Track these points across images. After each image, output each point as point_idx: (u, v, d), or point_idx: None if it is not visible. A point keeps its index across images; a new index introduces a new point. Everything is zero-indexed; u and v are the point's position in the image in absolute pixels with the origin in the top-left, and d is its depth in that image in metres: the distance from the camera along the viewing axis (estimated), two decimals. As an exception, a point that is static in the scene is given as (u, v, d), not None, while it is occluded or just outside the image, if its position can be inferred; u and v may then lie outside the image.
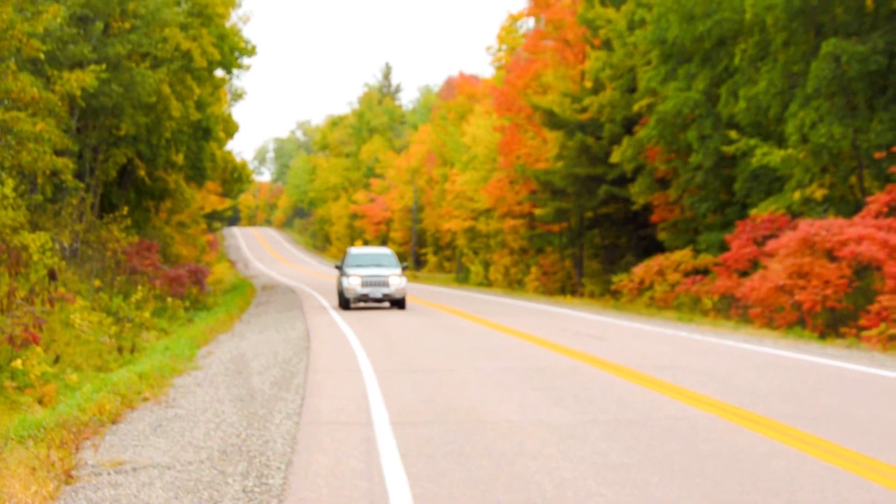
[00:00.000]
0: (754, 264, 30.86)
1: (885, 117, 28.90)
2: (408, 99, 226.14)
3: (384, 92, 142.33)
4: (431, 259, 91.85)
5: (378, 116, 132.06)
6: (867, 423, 11.85)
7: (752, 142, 31.93)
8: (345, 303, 36.06)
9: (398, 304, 36.11)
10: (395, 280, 35.56)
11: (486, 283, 65.76)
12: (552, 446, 10.62)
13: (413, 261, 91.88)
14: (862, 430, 11.29)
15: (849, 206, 30.14)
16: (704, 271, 35.88)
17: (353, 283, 35.44)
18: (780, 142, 32.12)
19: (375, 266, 36.49)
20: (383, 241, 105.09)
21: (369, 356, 19.76)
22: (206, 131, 47.50)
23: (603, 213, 48.27)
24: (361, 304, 37.20)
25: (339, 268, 37.59)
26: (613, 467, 9.58)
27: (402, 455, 10.18)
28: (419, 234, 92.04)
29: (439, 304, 40.12)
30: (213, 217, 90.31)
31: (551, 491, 8.67)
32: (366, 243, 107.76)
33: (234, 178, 61.25)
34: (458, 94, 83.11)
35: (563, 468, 9.55)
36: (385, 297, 35.65)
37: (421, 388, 15.21)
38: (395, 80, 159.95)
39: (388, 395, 14.36)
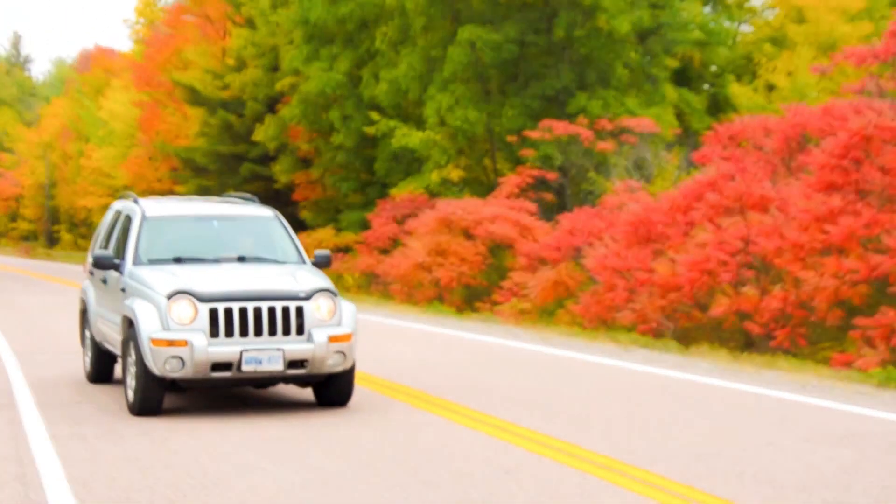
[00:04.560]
0: (395, 242, 31.71)
1: (517, 103, 30.46)
2: (39, 71, 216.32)
3: (13, 62, 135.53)
4: (66, 237, 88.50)
5: (6, 88, 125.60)
6: (506, 391, 12.55)
7: (393, 123, 32.75)
8: (146, 391, 11.11)
9: (333, 392, 11.74)
10: (323, 309, 11.39)
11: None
12: (206, 424, 10.65)
13: (46, 239, 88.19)
14: (502, 399, 11.96)
15: (483, 186, 31.55)
16: (346, 249, 36.48)
17: (181, 318, 10.99)
18: (420, 124, 33.10)
19: (233, 262, 12.46)
20: (12, 219, 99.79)
21: (6, 335, 18.99)
22: None
23: (246, 191, 48.04)
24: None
25: (104, 264, 12.55)
26: (272, 440, 9.73)
27: (52, 437, 9.93)
28: (53, 211, 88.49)
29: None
30: None
31: (212, 466, 8.72)
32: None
33: None
34: (94, 68, 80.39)
35: (221, 443, 9.60)
36: (295, 373, 11.21)
37: (65, 366, 14.80)
38: (24, 51, 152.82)
39: (31, 375, 13.90)
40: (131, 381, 11.30)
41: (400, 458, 9.03)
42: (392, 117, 33.76)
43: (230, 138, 45.93)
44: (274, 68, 43.24)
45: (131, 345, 11.26)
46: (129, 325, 11.37)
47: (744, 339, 17.45)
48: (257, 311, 11.02)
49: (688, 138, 30.56)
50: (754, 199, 17.97)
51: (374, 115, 33.45)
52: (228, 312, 10.96)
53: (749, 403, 11.70)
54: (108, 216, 14.10)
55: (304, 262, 12.65)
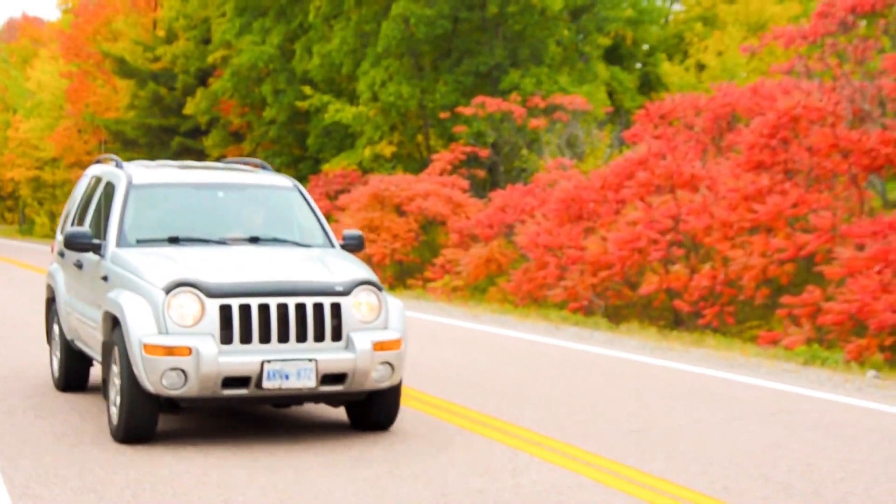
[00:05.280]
0: (327, 218, 31.61)
1: (450, 79, 30.47)
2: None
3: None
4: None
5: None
6: (438, 368, 12.59)
7: (326, 98, 32.62)
8: (135, 411, 8.51)
9: (374, 413, 9.18)
10: (364, 307, 8.84)
11: (53, 235, 63.42)
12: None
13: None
14: (434, 376, 12.00)
15: (416, 163, 31.55)
16: (278, 224, 36.31)
17: (184, 318, 8.41)
18: (353, 99, 33.01)
19: (244, 244, 9.75)
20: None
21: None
22: None
23: (176, 166, 47.67)
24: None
25: (80, 245, 9.76)
26: (201, 417, 9.70)
27: (-22, 413, 9.83)
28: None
29: (12, 258, 38.28)
30: None
31: (141, 442, 8.67)
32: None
33: None
34: (21, 37, 79.20)
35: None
36: (330, 390, 8.65)
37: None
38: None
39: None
40: (115, 398, 8.75)
41: (330, 434, 9.04)
42: (325, 92, 33.63)
43: (160, 111, 45.49)
44: (205, 41, 42.87)
45: (116, 350, 8.73)
46: (114, 324, 8.85)
47: (673, 317, 17.66)
48: (282, 310, 8.47)
49: (619, 117, 30.77)
50: (684, 177, 18.15)
51: (307, 90, 33.30)
52: (245, 311, 8.40)
53: (677, 381, 11.85)
54: (83, 184, 11.33)
55: (332, 244, 10.01)
